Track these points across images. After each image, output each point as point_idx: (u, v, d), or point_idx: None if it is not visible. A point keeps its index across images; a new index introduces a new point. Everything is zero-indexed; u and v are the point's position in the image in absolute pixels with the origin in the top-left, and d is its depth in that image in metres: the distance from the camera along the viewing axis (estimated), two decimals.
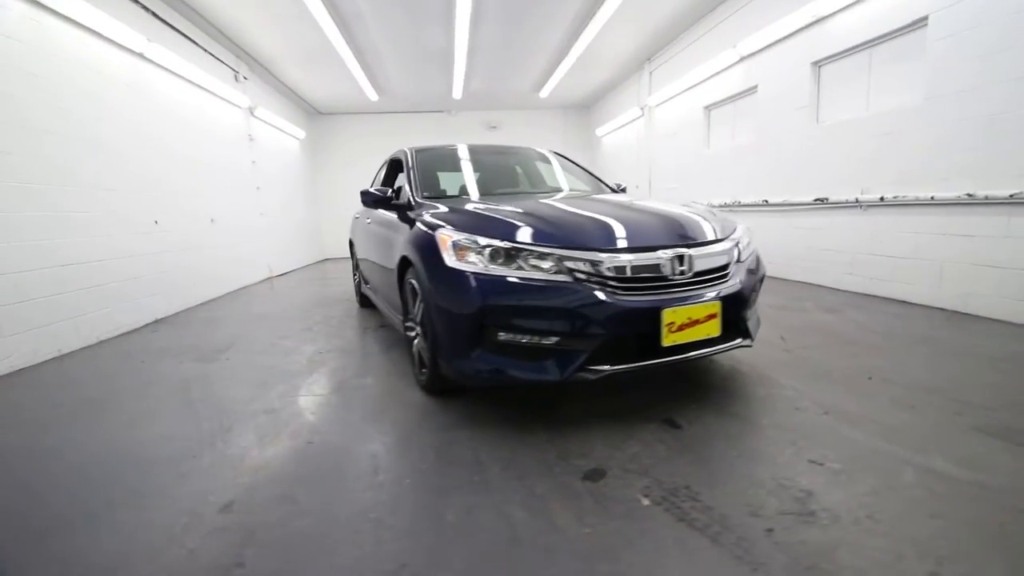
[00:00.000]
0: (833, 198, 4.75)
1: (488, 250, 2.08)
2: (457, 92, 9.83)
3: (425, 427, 2.19)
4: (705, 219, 2.43)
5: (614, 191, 3.63)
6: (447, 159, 3.61)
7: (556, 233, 2.10)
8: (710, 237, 2.27)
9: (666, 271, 2.07)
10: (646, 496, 1.60)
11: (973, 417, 2.05)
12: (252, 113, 7.78)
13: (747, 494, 1.58)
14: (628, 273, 2.02)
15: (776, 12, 5.29)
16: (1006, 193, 3.30)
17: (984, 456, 1.75)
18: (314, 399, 2.61)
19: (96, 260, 4.12)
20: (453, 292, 2.10)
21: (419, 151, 3.58)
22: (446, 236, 2.21)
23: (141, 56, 4.95)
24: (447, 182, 3.46)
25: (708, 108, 7.03)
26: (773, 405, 2.27)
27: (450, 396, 2.50)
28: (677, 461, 1.81)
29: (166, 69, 5.39)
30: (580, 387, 2.48)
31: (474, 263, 2.08)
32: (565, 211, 2.44)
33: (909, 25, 3.98)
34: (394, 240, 3.00)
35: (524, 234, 2.11)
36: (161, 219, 5.11)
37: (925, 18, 3.82)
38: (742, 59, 6.02)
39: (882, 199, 4.24)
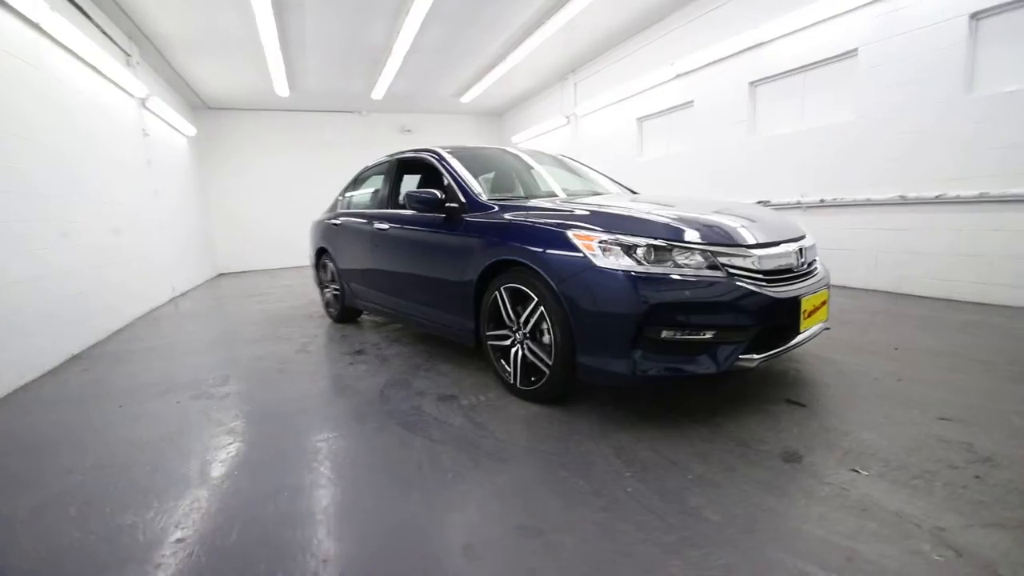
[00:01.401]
0: (775, 201, 5.47)
1: (641, 249, 2.06)
2: (379, 93, 9.33)
3: (580, 436, 2.08)
4: (787, 218, 2.68)
5: (633, 192, 3.77)
6: (478, 162, 3.43)
7: (702, 231, 2.15)
8: (804, 232, 2.51)
9: (794, 263, 2.25)
10: (856, 472, 1.72)
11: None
12: (144, 104, 6.57)
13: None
14: (770, 266, 2.15)
15: (715, 35, 5.93)
16: (932, 194, 4.12)
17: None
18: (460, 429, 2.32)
19: None
20: (611, 293, 2.03)
21: (455, 152, 3.35)
22: (589, 235, 2.14)
23: (38, 28, 3.91)
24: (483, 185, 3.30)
25: (641, 119, 7.61)
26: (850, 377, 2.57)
27: (555, 404, 2.40)
28: (839, 431, 1.97)
29: (61, 46, 4.32)
30: (666, 386, 2.54)
31: (627, 262, 2.04)
32: (691, 209, 2.46)
33: (841, 55, 4.76)
34: (456, 245, 2.80)
35: (671, 232, 2.12)
36: (68, 230, 4.08)
37: (856, 50, 4.61)
38: (679, 76, 6.64)
39: (822, 201, 4.99)
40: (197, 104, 9.64)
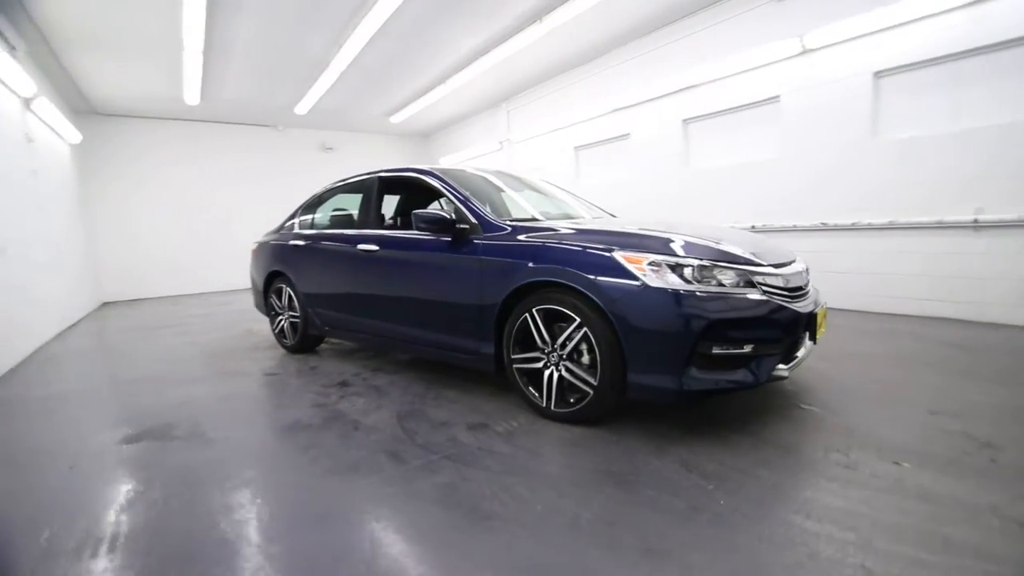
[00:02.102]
0: None
1: (688, 269, 2.16)
2: (304, 107, 8.82)
3: (641, 454, 2.09)
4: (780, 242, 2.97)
5: (612, 215, 3.94)
6: (473, 184, 3.36)
7: (735, 251, 2.31)
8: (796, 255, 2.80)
9: (804, 281, 2.50)
10: (898, 464, 1.93)
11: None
12: (29, 106, 5.60)
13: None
14: (793, 284, 2.37)
15: (650, 75, 6.47)
16: (849, 222, 4.81)
17: None
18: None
19: None
20: (666, 312, 2.10)
21: (449, 173, 3.27)
22: (639, 257, 2.20)
23: None
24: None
25: (578, 148, 7.99)
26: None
27: (593, 425, 2.40)
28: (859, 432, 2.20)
29: None
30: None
31: (677, 282, 2.13)
32: (691, 232, 2.61)
33: (766, 100, 5.43)
34: (470, 267, 2.72)
35: (714, 253, 2.26)
36: None
37: (778, 96, 5.29)
38: (615, 110, 7.11)
39: (753, 227, 5.59)
40: (82, 108, 8.38)
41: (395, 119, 10.08)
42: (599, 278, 2.24)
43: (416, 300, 3.09)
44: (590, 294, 2.25)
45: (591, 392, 2.32)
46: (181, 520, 1.75)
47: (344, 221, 3.88)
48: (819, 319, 2.42)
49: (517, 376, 2.60)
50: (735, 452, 2.09)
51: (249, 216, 9.81)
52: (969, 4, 3.90)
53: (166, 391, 3.29)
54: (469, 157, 10.58)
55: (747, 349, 2.15)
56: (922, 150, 4.31)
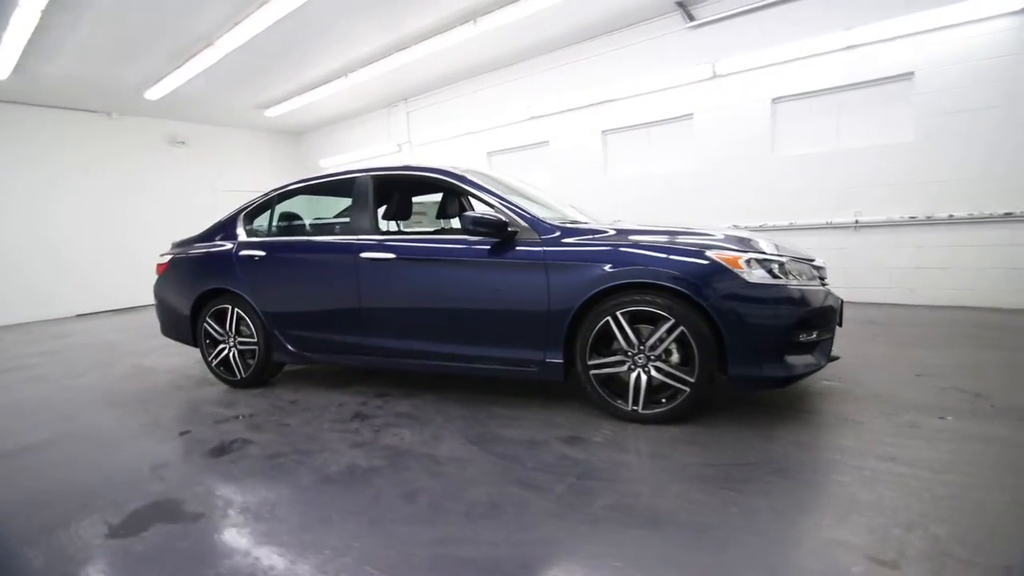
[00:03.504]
0: None
1: (776, 265, 2.34)
2: (160, 91, 7.28)
3: (769, 444, 2.18)
4: None
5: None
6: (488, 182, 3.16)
7: (788, 247, 2.55)
8: None
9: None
10: (943, 419, 2.35)
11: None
12: None
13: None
14: (825, 276, 2.71)
15: (568, 85, 6.79)
16: (756, 224, 5.64)
17: None
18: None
19: None
20: (770, 306, 2.24)
21: (474, 172, 3.03)
22: (734, 255, 2.30)
23: None
24: None
25: (491, 153, 7.99)
26: None
27: (683, 423, 2.44)
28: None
29: None
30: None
31: (769, 278, 2.29)
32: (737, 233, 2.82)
33: (681, 116, 6.09)
34: (531, 273, 2.56)
35: (779, 248, 2.47)
36: None
37: (691, 114, 5.98)
38: (533, 118, 7.29)
39: None
40: None
41: (272, 112, 8.91)
42: (698, 277, 2.29)
43: (457, 312, 2.78)
44: (690, 293, 2.29)
45: (687, 389, 2.36)
46: None
47: (325, 226, 3.33)
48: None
49: (594, 383, 2.52)
50: (814, 429, 2.31)
51: (70, 223, 7.83)
52: (847, 48, 4.89)
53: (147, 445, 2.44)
54: (360, 159, 9.83)
55: (816, 335, 2.41)
56: (813, 164, 5.28)
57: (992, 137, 4.35)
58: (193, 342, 3.67)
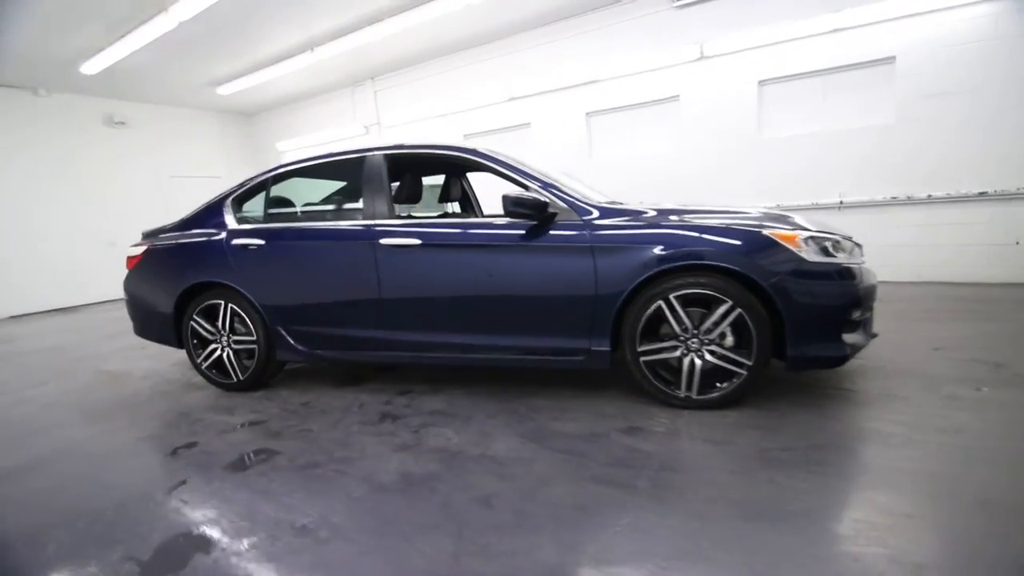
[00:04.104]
0: None
1: (830, 243, 2.31)
2: (98, 65, 6.51)
3: (832, 421, 2.17)
4: None
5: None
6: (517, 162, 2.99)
7: (823, 225, 2.53)
8: None
9: None
10: (979, 390, 2.42)
11: None
12: None
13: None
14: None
15: (550, 65, 6.61)
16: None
17: None
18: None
19: None
20: (829, 284, 2.22)
21: (498, 152, 2.84)
22: (792, 234, 2.25)
23: None
24: None
25: (469, 136, 7.71)
26: None
27: (735, 406, 2.40)
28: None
29: None
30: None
31: (823, 256, 2.26)
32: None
33: (666, 98, 6.06)
34: (576, 256, 2.43)
35: (834, 229, 2.45)
36: None
37: (678, 96, 5.96)
38: (513, 99, 7.07)
39: None
40: None
41: (225, 90, 8.20)
42: (758, 257, 2.23)
43: (493, 300, 2.60)
44: (751, 274, 2.22)
45: (744, 373, 2.31)
46: None
47: (333, 212, 3.05)
48: None
49: (644, 370, 2.43)
50: (865, 407, 2.34)
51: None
52: (833, 31, 4.98)
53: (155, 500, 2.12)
54: (323, 142, 9.27)
55: (864, 313, 2.42)
56: (799, 146, 5.39)
57: (968, 120, 4.57)
58: (177, 343, 3.30)
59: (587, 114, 6.61)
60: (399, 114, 8.25)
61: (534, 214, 2.47)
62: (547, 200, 2.49)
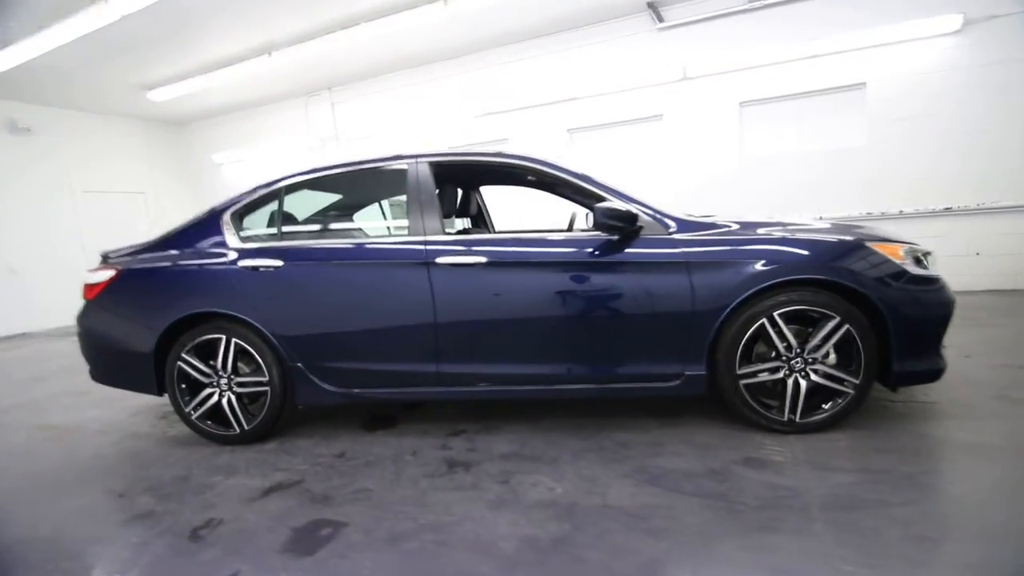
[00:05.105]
0: None
1: (923, 254, 2.27)
2: (7, 62, 5.49)
3: (930, 438, 2.08)
4: None
5: None
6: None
7: None
8: None
9: None
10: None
11: None
12: None
13: None
14: None
15: (528, 80, 6.49)
16: None
17: None
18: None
19: None
20: (933, 297, 2.18)
21: (563, 161, 2.60)
22: (895, 247, 2.19)
23: None
24: None
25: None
26: None
27: (831, 428, 2.28)
28: None
29: None
30: None
31: (921, 269, 2.22)
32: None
33: (650, 117, 6.12)
34: (667, 271, 2.23)
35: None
36: None
37: (661, 115, 6.04)
38: (489, 114, 6.85)
39: None
40: None
41: (158, 96, 7.29)
42: (867, 270, 2.14)
43: (576, 323, 2.32)
44: (861, 288, 2.12)
45: (850, 392, 2.19)
46: None
47: (364, 227, 2.68)
48: None
49: (745, 394, 2.25)
50: (954, 419, 2.32)
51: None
52: (809, 57, 5.27)
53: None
54: (267, 154, 8.51)
55: None
56: (778, 165, 5.62)
57: (934, 142, 4.98)
58: (156, 389, 2.67)
59: (569, 130, 6.54)
60: (360, 128, 7.77)
61: (624, 227, 2.24)
62: (637, 213, 2.28)
